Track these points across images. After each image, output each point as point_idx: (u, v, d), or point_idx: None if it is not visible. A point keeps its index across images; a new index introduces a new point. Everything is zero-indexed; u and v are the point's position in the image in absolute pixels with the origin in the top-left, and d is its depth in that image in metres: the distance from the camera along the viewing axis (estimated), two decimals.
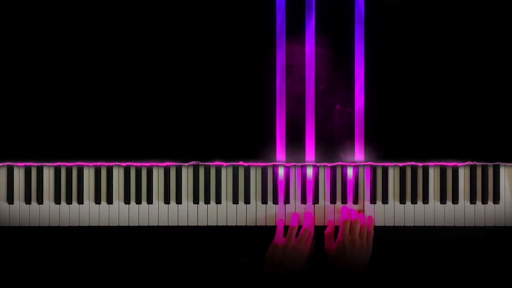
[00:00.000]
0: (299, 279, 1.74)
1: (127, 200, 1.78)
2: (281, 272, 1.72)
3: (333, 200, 1.80)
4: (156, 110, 1.76)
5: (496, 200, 1.79)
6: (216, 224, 1.79)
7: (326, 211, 1.80)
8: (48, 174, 1.79)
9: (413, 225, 1.80)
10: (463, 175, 1.81)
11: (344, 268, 1.72)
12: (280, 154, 1.77)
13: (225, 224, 1.79)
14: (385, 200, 1.80)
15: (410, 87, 1.77)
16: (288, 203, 1.80)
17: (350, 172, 1.80)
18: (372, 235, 1.76)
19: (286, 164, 1.79)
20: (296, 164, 1.78)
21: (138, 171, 1.79)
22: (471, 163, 1.78)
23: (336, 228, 1.79)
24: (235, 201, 1.80)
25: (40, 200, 1.79)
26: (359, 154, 1.77)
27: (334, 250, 1.74)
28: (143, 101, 1.76)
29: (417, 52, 1.77)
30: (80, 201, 1.79)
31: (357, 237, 1.74)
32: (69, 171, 1.79)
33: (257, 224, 1.80)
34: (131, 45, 1.76)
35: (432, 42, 1.77)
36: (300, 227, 1.78)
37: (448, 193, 1.80)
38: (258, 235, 1.79)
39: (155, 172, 1.80)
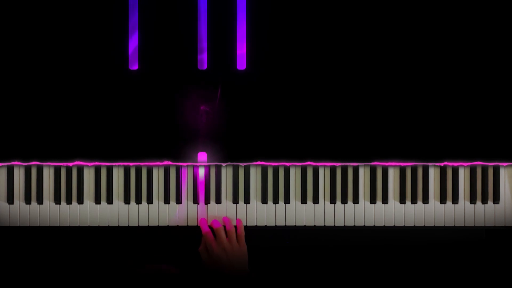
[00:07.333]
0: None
1: (127, 200, 1.78)
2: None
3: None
4: (156, 110, 1.76)
5: (496, 200, 1.79)
6: None
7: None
8: (48, 174, 1.79)
9: (413, 225, 1.80)
10: (463, 175, 1.81)
11: (225, 276, 1.70)
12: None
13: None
14: (385, 200, 1.80)
15: (409, 87, 1.77)
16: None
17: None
18: (243, 235, 1.75)
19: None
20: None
21: (138, 171, 1.79)
22: (471, 163, 1.78)
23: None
24: (235, 201, 1.80)
25: (40, 200, 1.79)
26: (355, 153, 1.77)
27: (209, 261, 1.73)
28: (143, 102, 1.76)
29: (418, 51, 1.77)
30: (80, 201, 1.79)
31: (226, 242, 1.72)
32: (69, 171, 1.79)
33: (257, 224, 1.80)
34: (132, 45, 1.76)
35: (431, 43, 1.76)
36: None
37: (448, 193, 1.80)
38: (259, 235, 1.79)
39: (155, 172, 1.80)
